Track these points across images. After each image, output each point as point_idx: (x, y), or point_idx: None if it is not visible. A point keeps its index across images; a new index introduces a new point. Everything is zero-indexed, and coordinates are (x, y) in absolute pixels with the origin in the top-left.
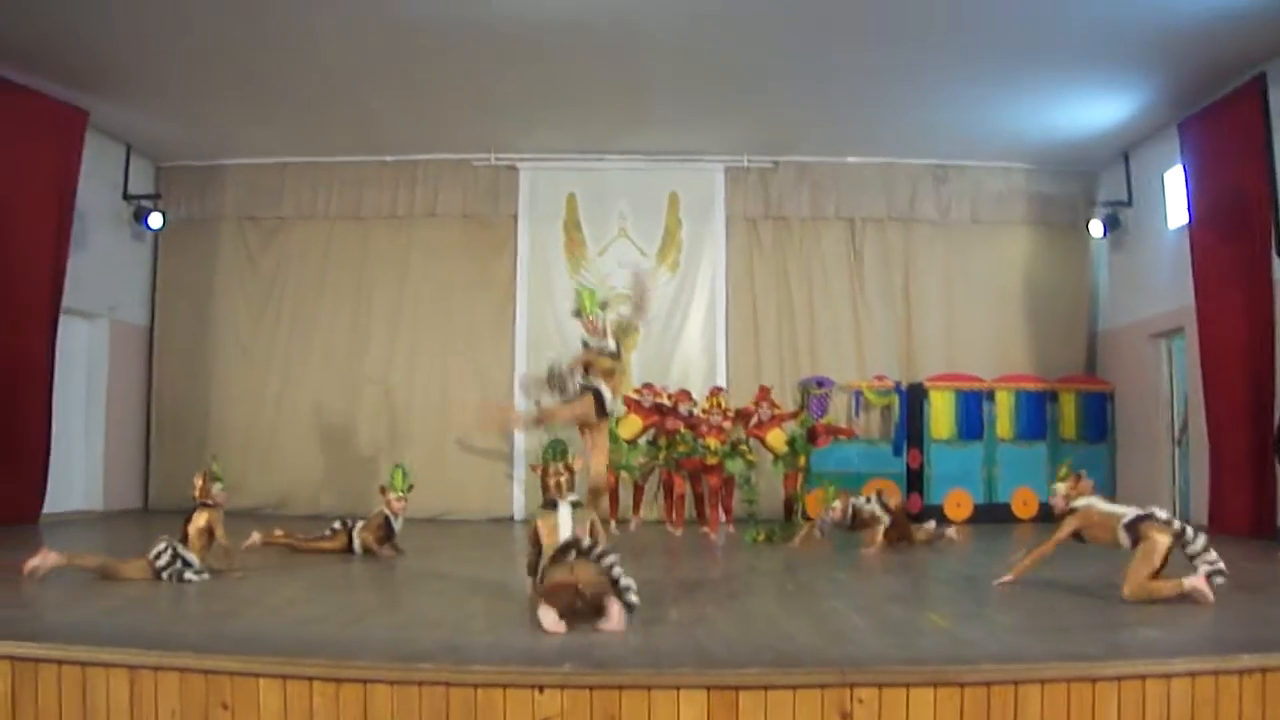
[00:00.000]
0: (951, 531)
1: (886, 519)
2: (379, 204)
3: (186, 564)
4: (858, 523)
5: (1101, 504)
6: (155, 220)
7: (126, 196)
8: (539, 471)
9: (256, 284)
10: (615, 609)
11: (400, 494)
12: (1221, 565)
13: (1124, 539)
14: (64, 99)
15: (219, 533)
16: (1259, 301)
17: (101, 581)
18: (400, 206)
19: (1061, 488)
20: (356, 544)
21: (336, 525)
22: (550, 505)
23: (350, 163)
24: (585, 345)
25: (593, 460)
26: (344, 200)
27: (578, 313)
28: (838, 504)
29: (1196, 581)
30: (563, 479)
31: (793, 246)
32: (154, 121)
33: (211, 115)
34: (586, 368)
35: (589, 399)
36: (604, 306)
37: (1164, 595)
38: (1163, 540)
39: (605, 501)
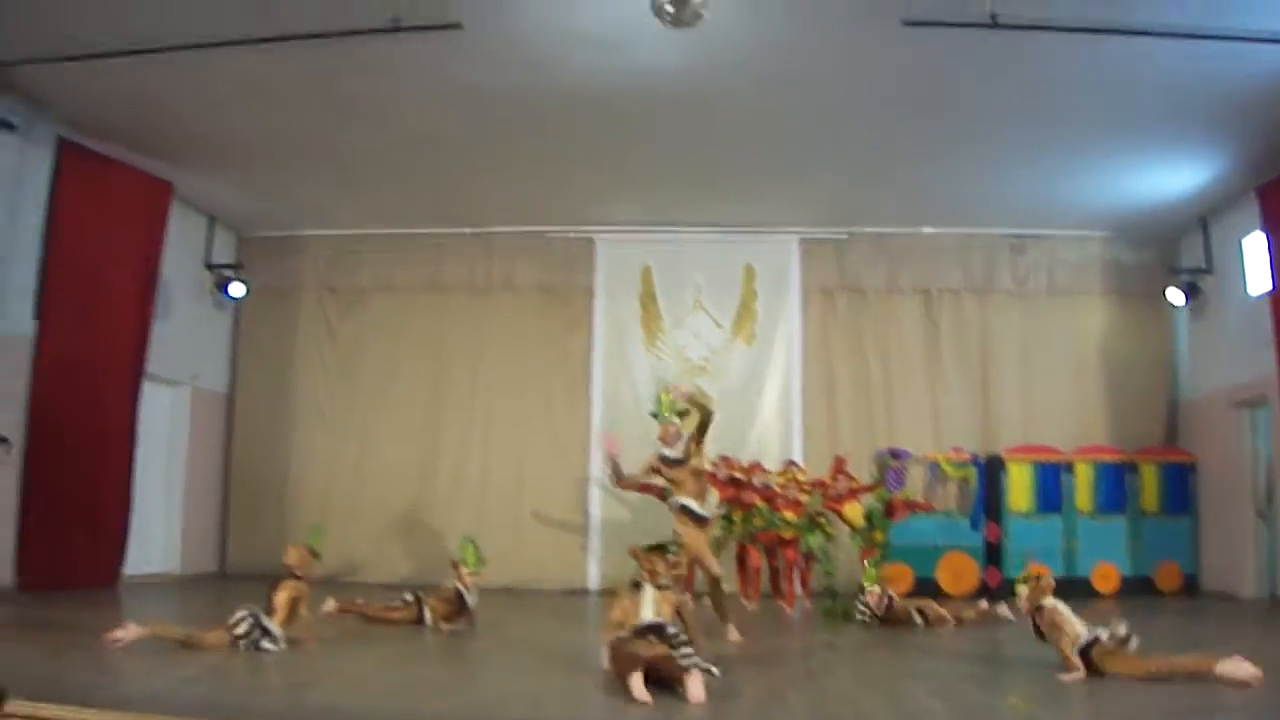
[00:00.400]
0: (1003, 609)
1: (919, 620)
2: (457, 275)
3: (267, 633)
4: (890, 615)
5: (1063, 609)
6: (237, 289)
7: (209, 266)
8: (637, 556)
9: (335, 353)
10: (694, 681)
11: (472, 569)
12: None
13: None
14: (150, 171)
15: (304, 606)
16: None
17: (182, 650)
18: (478, 278)
19: (1024, 590)
20: (427, 616)
21: (408, 596)
22: (636, 586)
23: (429, 234)
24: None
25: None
26: (422, 271)
27: (654, 414)
28: (876, 589)
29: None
30: (659, 570)
31: (868, 317)
32: (237, 193)
33: (292, 186)
34: (656, 471)
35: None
36: (682, 415)
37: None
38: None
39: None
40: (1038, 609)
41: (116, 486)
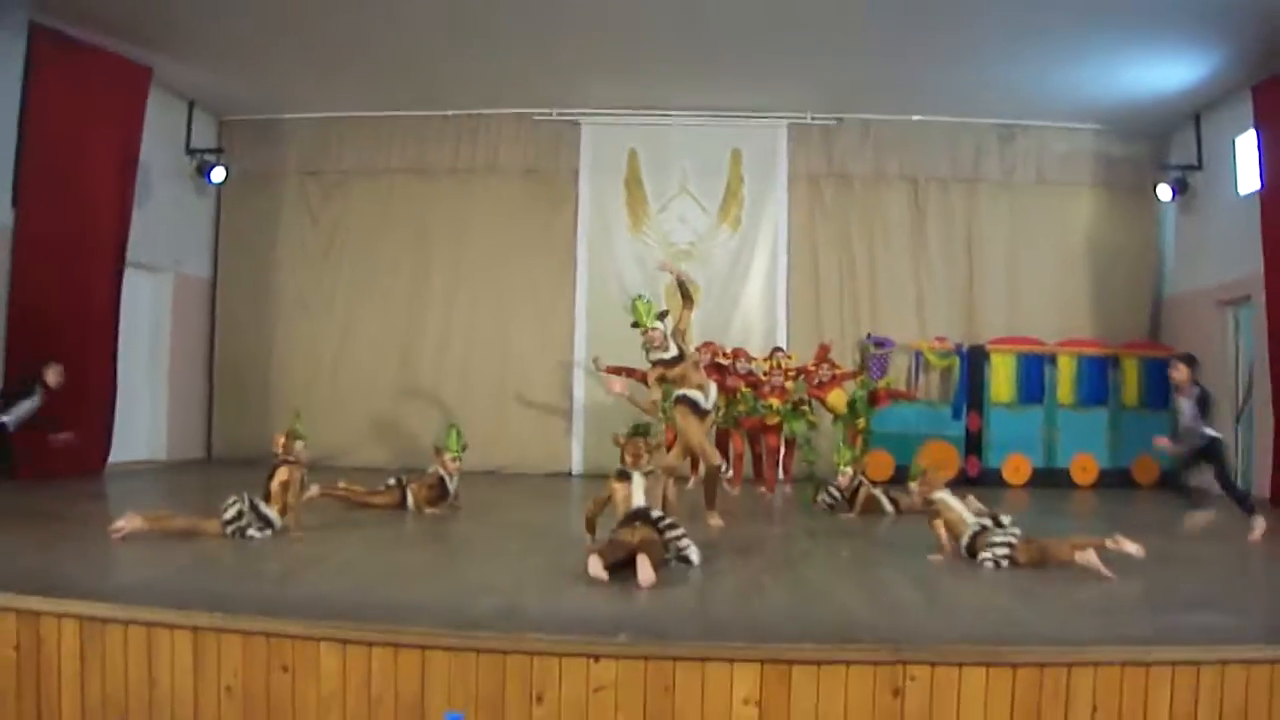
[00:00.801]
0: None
1: (890, 509)
2: (440, 159)
3: (265, 520)
4: (857, 499)
5: (952, 500)
6: (218, 174)
7: (189, 151)
8: (620, 444)
9: (317, 238)
10: (645, 565)
11: (455, 455)
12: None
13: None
14: (128, 55)
15: (293, 492)
16: None
17: (173, 539)
18: (461, 161)
19: (914, 487)
20: (410, 500)
21: (392, 481)
22: (624, 475)
23: (412, 117)
24: (648, 357)
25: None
26: (405, 155)
27: (635, 324)
28: (849, 471)
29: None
30: (641, 453)
31: (855, 205)
32: (216, 77)
33: (274, 70)
34: (662, 380)
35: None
36: (661, 317)
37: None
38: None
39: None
40: (928, 502)
41: (100, 374)
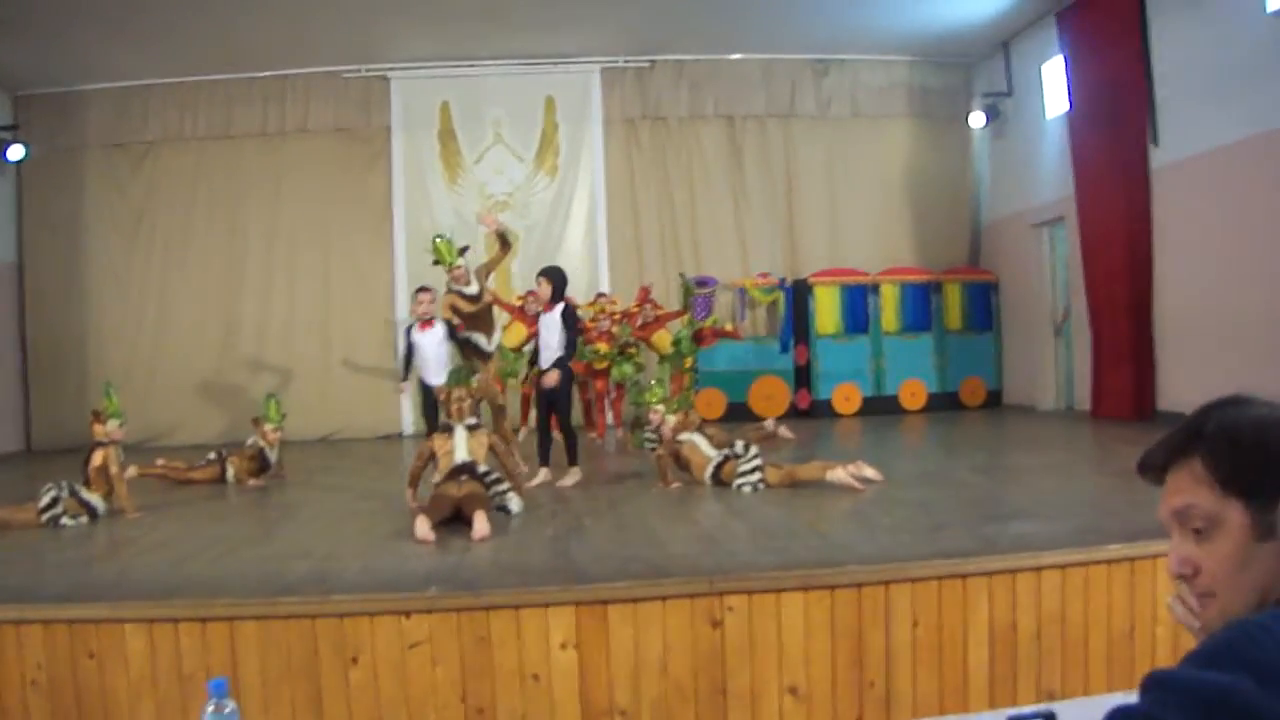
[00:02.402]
0: (783, 429)
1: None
2: (249, 122)
3: (86, 505)
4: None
5: (698, 440)
6: (15, 152)
7: None
8: (443, 396)
9: (127, 212)
10: (480, 519)
11: (275, 425)
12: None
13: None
14: None
15: (114, 470)
16: (1136, 190)
17: None
18: (271, 123)
19: (673, 420)
20: (230, 474)
21: (212, 455)
22: (447, 429)
23: (217, 81)
24: (448, 289)
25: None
26: (212, 120)
27: (437, 263)
28: (659, 409)
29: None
30: (464, 404)
31: (672, 146)
32: (7, 48)
33: (70, 39)
34: (454, 309)
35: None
36: (463, 252)
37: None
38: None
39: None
40: (677, 442)
41: None
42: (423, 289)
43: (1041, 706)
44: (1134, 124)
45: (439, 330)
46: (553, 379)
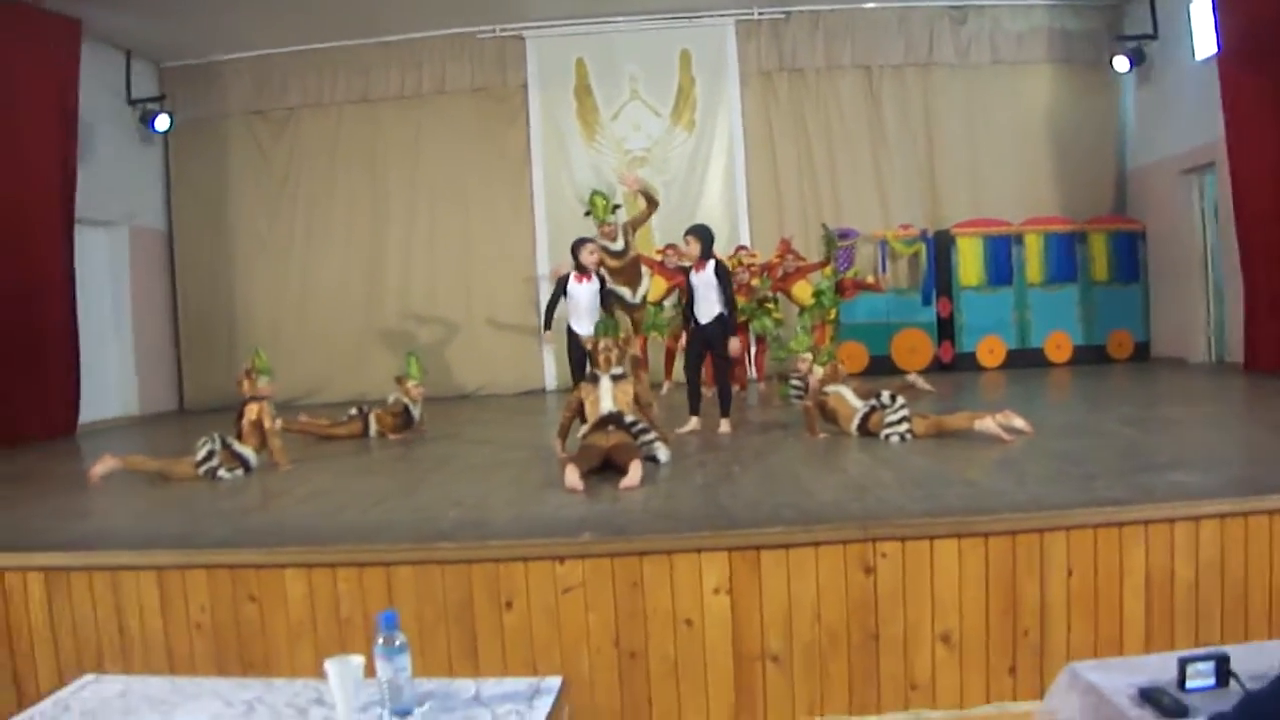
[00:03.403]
0: (921, 381)
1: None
2: (387, 86)
3: (239, 458)
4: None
5: (845, 392)
6: (162, 122)
7: (131, 102)
8: (592, 346)
9: (270, 178)
10: (635, 467)
11: (417, 381)
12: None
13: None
14: (54, 9)
15: (268, 424)
16: None
17: (135, 486)
18: (408, 86)
19: (820, 372)
20: (373, 429)
21: (354, 411)
22: (593, 379)
23: (355, 46)
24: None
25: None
26: (351, 85)
27: (588, 214)
28: (808, 356)
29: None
30: (612, 354)
31: (809, 98)
32: (151, 22)
33: (209, 10)
34: (601, 264)
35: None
36: (615, 210)
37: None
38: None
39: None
40: (823, 394)
41: (60, 334)
42: (585, 240)
43: (1214, 649)
44: None
45: (595, 283)
46: (737, 347)
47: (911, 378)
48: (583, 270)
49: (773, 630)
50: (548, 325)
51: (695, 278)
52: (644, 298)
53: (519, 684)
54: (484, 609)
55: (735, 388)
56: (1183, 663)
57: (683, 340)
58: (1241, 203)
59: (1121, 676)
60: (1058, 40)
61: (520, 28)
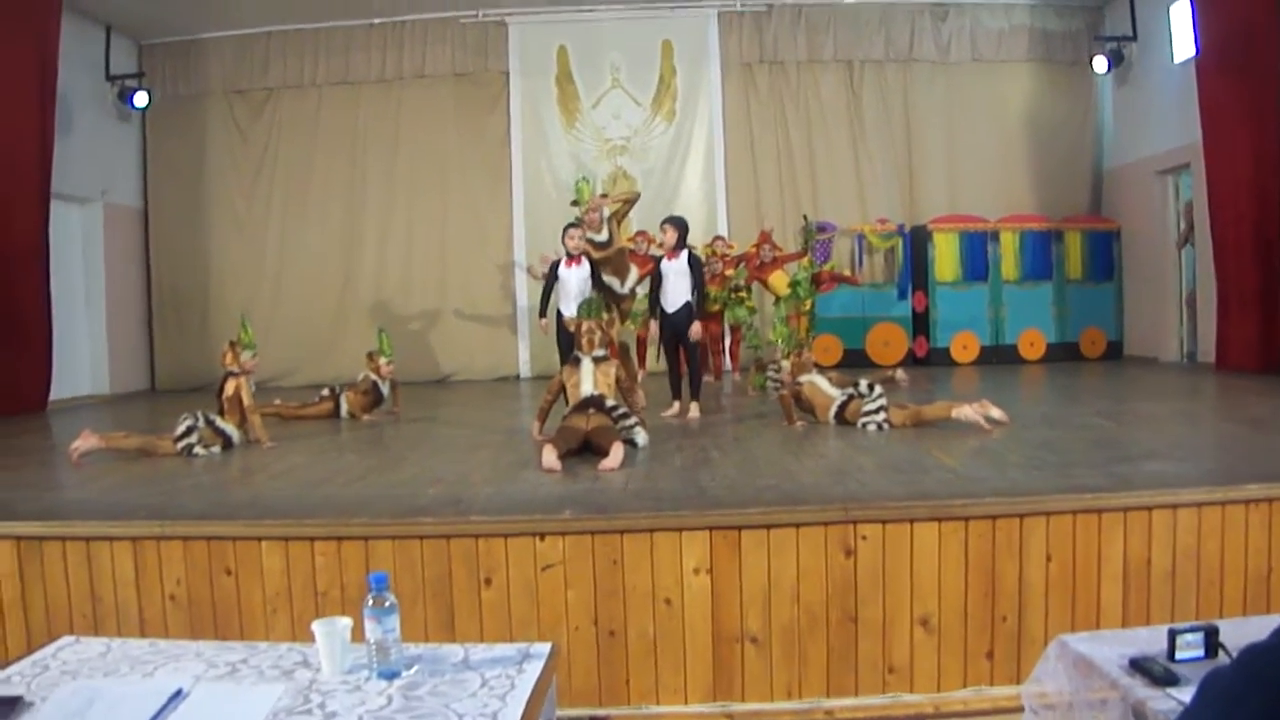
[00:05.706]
0: (899, 375)
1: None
2: (367, 68)
3: (221, 434)
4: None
5: (819, 380)
6: (141, 99)
7: (110, 78)
8: (575, 328)
9: (248, 157)
10: (616, 449)
11: (388, 358)
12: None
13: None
14: None
15: (247, 401)
16: (1266, 136)
17: (111, 460)
18: (389, 69)
19: (787, 365)
20: (343, 409)
21: (325, 391)
22: (575, 361)
23: (336, 27)
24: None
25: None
26: (331, 66)
27: (576, 203)
28: (787, 364)
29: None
30: (595, 335)
31: (790, 91)
32: None
33: None
34: (585, 253)
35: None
36: (602, 198)
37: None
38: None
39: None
40: (797, 383)
41: (34, 309)
42: (573, 225)
43: (1204, 622)
44: (1266, 68)
45: (585, 267)
46: (698, 331)
47: (899, 375)
48: (571, 255)
49: (752, 611)
50: (543, 312)
51: (667, 265)
52: (633, 289)
53: (508, 649)
54: (463, 585)
55: (709, 378)
56: (1173, 634)
57: (653, 329)
58: (1217, 204)
59: (1112, 648)
60: (1038, 40)
61: (503, 14)
